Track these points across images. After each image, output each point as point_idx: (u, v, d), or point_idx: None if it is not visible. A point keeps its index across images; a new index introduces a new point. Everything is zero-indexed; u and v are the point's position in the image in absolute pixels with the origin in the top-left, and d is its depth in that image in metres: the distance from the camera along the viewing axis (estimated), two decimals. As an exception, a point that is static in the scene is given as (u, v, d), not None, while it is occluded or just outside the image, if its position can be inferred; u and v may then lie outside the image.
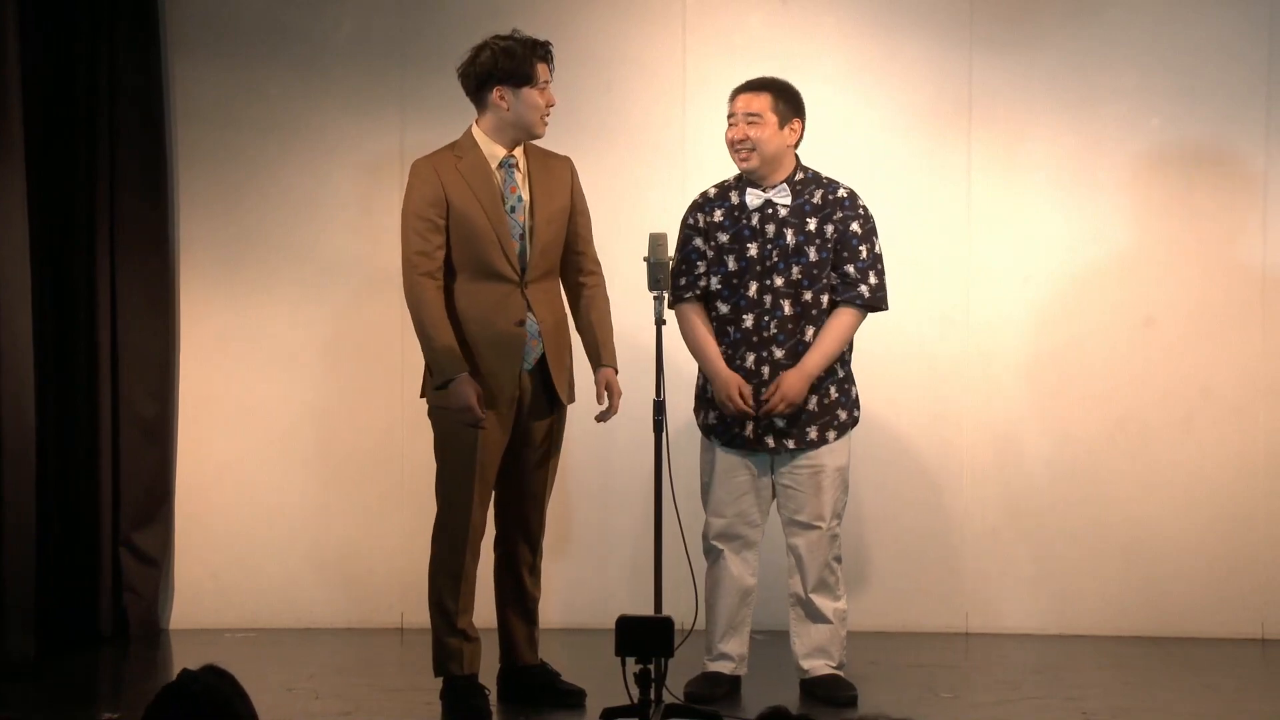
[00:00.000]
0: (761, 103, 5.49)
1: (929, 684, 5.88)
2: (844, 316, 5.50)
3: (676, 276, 5.55)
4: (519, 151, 5.35)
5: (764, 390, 5.47)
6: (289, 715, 5.26)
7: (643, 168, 6.66)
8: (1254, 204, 6.57)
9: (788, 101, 5.52)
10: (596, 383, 5.43)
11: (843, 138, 6.39)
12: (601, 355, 5.44)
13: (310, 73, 6.73)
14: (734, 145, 5.51)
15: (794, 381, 5.43)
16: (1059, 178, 6.62)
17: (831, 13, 6.68)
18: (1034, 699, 5.65)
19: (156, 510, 6.69)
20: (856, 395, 5.64)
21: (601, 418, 5.45)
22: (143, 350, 6.62)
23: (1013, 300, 6.65)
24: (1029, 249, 6.64)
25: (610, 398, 5.42)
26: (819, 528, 5.52)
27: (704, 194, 5.63)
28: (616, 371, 5.44)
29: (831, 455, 5.53)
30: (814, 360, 5.45)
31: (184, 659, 6.38)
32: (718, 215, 5.55)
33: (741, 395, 5.44)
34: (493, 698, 5.44)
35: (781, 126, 5.50)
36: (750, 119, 5.47)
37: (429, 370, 5.32)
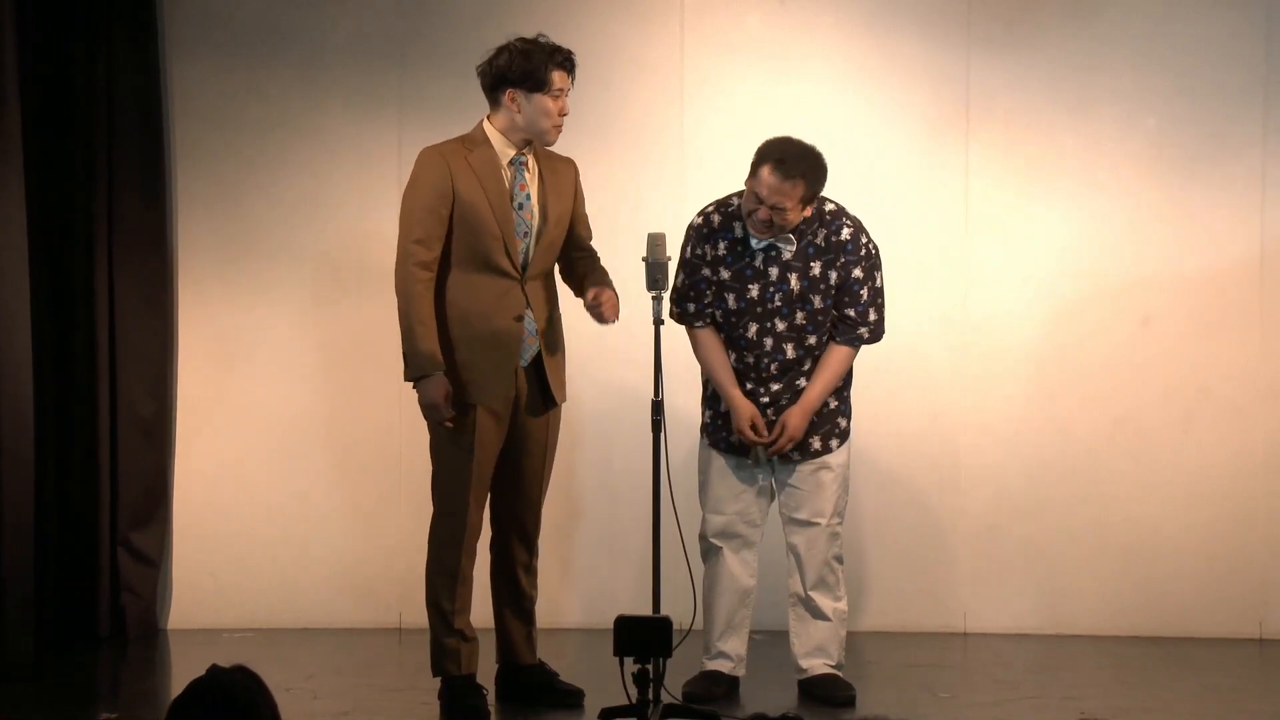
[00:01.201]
0: (792, 195, 5.31)
1: (927, 684, 5.88)
2: (842, 352, 5.50)
3: (685, 301, 5.53)
4: (528, 151, 5.36)
5: (763, 410, 5.47)
6: (289, 715, 5.22)
7: (641, 167, 6.66)
8: (1252, 204, 6.57)
9: (815, 184, 5.37)
10: (589, 296, 5.33)
11: (841, 138, 6.37)
12: (601, 278, 5.38)
13: (309, 73, 6.73)
14: (752, 220, 5.38)
15: (798, 421, 5.44)
16: (1057, 178, 6.62)
17: (830, 12, 6.67)
18: (1032, 699, 5.65)
19: (155, 510, 6.68)
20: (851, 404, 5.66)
21: (594, 307, 5.33)
22: (141, 350, 6.62)
23: (1012, 300, 6.65)
24: (1027, 249, 6.64)
25: (604, 300, 5.31)
26: (818, 524, 5.52)
27: (707, 220, 5.52)
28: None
29: (833, 454, 5.54)
30: (815, 394, 5.46)
31: (182, 659, 6.39)
32: (721, 248, 5.49)
33: (754, 428, 5.43)
34: (491, 697, 5.44)
35: (804, 207, 5.40)
36: (776, 210, 5.33)
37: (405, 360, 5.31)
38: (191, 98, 6.73)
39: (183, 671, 6.27)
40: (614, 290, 5.38)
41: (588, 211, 5.55)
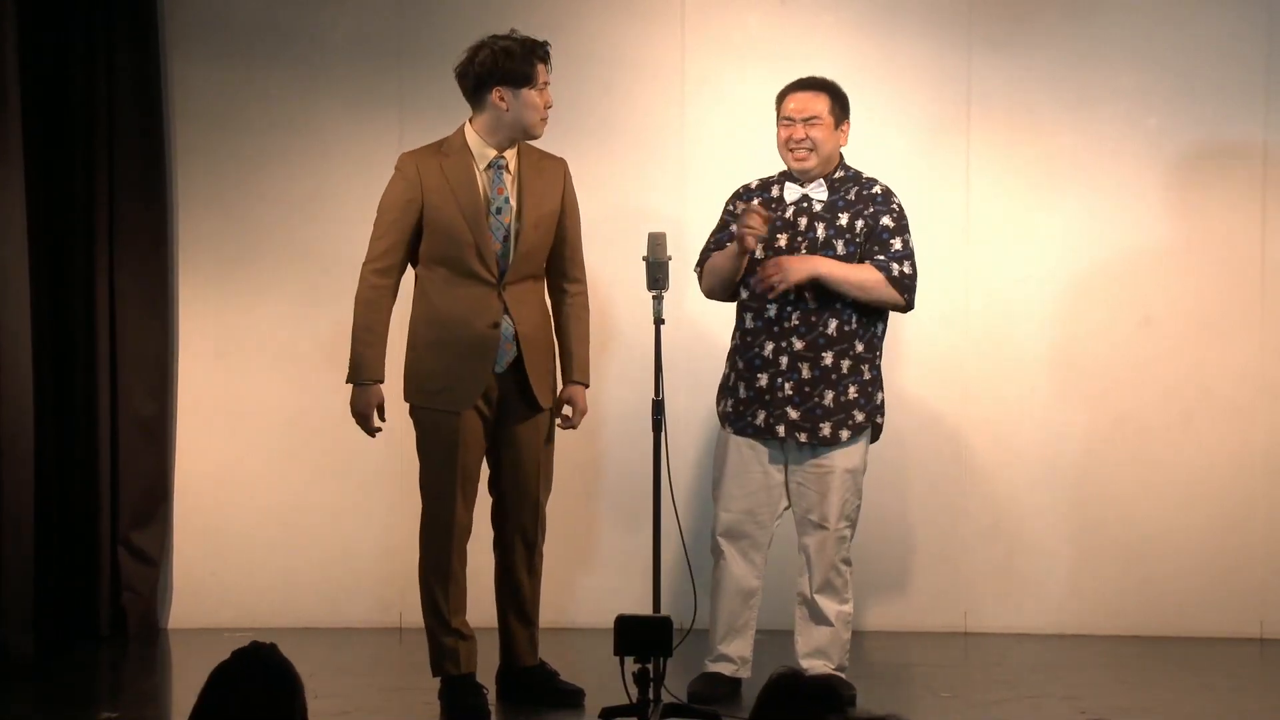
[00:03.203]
0: (820, 104, 5.50)
1: (928, 683, 5.89)
2: (876, 271, 5.44)
3: (706, 252, 5.61)
4: (510, 153, 5.33)
5: (780, 380, 5.45)
6: (288, 715, 5.25)
7: (641, 167, 6.66)
8: (1252, 203, 6.57)
9: (841, 104, 5.55)
10: (559, 394, 5.44)
11: (841, 137, 6.39)
12: (574, 370, 5.46)
13: (309, 72, 6.73)
14: (790, 145, 5.50)
15: (796, 262, 5.40)
16: (1057, 177, 6.62)
17: (830, 12, 6.68)
18: (1033, 698, 5.66)
19: (155, 509, 6.69)
20: (882, 401, 5.59)
21: (563, 425, 5.48)
22: (141, 350, 6.63)
23: (1011, 300, 6.65)
24: (1028, 249, 6.65)
25: (573, 414, 5.45)
26: (825, 529, 5.52)
27: (745, 185, 5.64)
28: (587, 386, 5.48)
29: (843, 457, 5.51)
30: (829, 266, 5.42)
31: (183, 658, 6.40)
32: (755, 204, 5.55)
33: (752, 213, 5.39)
34: (491, 697, 5.43)
35: (836, 127, 5.52)
36: (810, 121, 5.47)
37: (407, 372, 5.37)
38: (191, 98, 6.73)
39: (183, 671, 6.28)
40: (585, 391, 5.47)
41: (589, 214, 5.53)
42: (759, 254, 5.50)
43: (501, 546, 5.48)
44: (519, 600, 5.48)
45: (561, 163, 5.45)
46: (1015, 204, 6.65)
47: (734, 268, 5.50)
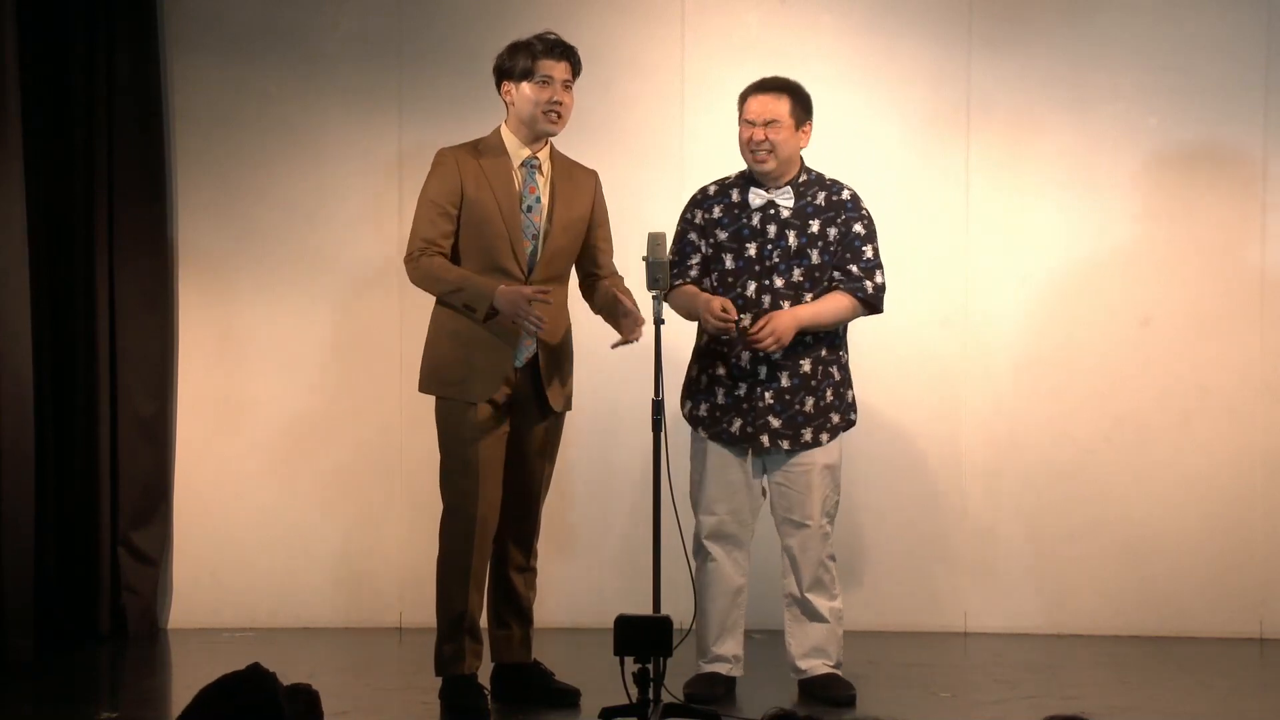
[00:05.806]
0: (780, 107, 5.47)
1: (927, 684, 5.88)
2: (845, 298, 5.47)
3: (670, 269, 5.54)
4: (544, 155, 5.37)
5: (759, 389, 5.46)
6: (288, 715, 5.25)
7: (641, 167, 6.66)
8: (1252, 203, 6.58)
9: (802, 105, 5.52)
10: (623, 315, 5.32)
11: (841, 138, 6.38)
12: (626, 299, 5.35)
13: (308, 72, 6.73)
14: (750, 146, 5.49)
15: (786, 321, 5.38)
16: (1057, 177, 6.63)
17: (830, 11, 6.68)
18: (1032, 698, 5.65)
19: (155, 509, 6.69)
20: (853, 399, 5.62)
21: (629, 328, 5.31)
22: (141, 349, 6.63)
23: (1011, 300, 6.65)
24: (1027, 249, 6.65)
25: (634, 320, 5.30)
26: (809, 526, 5.52)
27: (703, 191, 5.63)
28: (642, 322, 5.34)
29: (823, 454, 5.52)
30: (808, 312, 5.42)
31: (183, 658, 6.40)
32: (716, 212, 5.55)
33: (725, 310, 5.36)
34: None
35: (797, 129, 5.49)
36: (769, 123, 5.46)
37: (426, 365, 5.35)
38: (191, 98, 6.74)
39: (183, 671, 6.28)
40: (637, 310, 5.34)
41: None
42: (729, 264, 5.49)
43: (497, 545, 5.47)
44: (514, 599, 5.48)
45: (593, 174, 5.49)
46: (1015, 204, 6.65)
47: (693, 314, 5.51)
